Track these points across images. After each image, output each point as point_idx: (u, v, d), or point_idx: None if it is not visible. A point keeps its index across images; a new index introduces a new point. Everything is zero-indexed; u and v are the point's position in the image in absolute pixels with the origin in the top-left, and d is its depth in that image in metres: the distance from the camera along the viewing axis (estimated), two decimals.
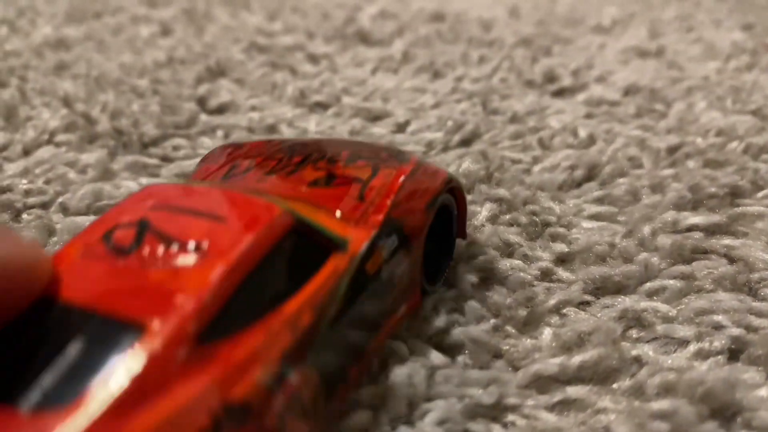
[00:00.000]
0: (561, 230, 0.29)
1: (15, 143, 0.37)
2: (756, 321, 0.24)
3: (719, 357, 0.22)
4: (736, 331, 0.23)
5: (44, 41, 0.53)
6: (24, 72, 0.47)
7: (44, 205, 0.32)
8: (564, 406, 0.21)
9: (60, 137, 0.38)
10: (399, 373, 0.20)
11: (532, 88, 0.46)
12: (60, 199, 0.32)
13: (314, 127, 0.40)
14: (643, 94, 0.44)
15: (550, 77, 0.47)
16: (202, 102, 0.43)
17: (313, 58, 0.51)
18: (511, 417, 0.20)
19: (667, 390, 0.21)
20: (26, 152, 0.37)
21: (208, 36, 0.56)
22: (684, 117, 0.40)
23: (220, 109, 0.42)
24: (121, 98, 0.42)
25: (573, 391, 0.21)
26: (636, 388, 0.21)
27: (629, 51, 0.52)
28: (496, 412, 0.20)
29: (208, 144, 0.38)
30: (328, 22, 0.59)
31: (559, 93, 0.45)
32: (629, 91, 0.44)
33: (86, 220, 0.30)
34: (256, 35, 0.55)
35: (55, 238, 0.29)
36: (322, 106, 0.43)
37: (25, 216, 0.31)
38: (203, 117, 0.41)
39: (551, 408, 0.21)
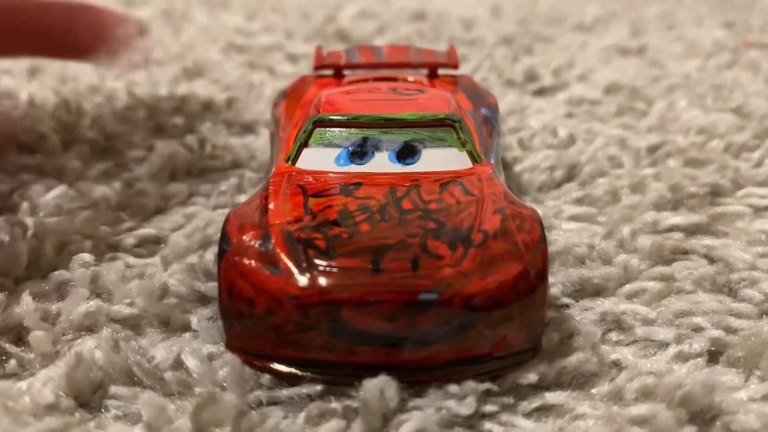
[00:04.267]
0: None
1: None
2: (735, 322, 0.23)
3: (699, 359, 0.22)
4: (715, 333, 0.23)
5: None
6: None
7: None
8: (542, 412, 0.20)
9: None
10: (369, 388, 0.20)
11: (513, 87, 0.45)
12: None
13: None
14: (624, 92, 0.44)
15: (531, 76, 0.46)
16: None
17: (293, 58, 0.51)
18: (488, 425, 0.20)
19: (645, 394, 0.20)
20: None
21: (185, 36, 0.55)
22: (665, 115, 0.40)
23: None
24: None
25: (551, 396, 0.21)
26: (615, 393, 0.21)
27: (610, 49, 0.52)
28: (473, 420, 0.20)
29: None
30: (307, 21, 0.59)
31: (540, 92, 0.45)
32: (610, 89, 0.44)
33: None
34: (234, 35, 0.55)
35: None
36: None
37: None
38: None
39: (529, 414, 0.20)
